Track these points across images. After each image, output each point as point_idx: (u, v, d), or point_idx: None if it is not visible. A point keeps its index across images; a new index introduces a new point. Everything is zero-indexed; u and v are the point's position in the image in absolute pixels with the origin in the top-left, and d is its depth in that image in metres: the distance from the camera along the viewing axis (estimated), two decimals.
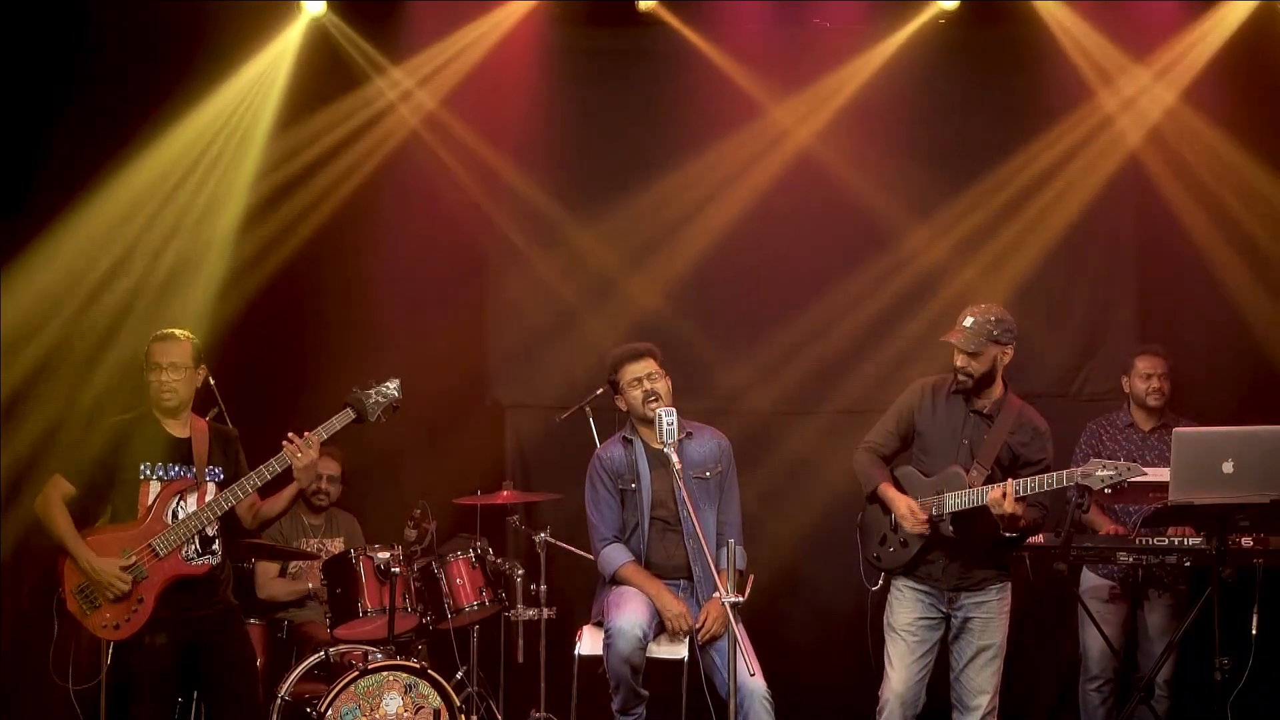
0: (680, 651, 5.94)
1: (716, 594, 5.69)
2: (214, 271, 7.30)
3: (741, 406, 7.58)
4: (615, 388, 6.13)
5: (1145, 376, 6.80)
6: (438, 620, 6.65)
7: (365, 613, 6.48)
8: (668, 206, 7.62)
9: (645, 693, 5.88)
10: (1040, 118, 7.49)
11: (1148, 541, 6.34)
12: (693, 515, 5.50)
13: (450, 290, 7.65)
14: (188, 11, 7.09)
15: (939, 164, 7.59)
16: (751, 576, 6.11)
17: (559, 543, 6.99)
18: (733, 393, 7.61)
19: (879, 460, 5.90)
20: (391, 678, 6.13)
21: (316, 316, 7.67)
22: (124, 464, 5.62)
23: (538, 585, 6.89)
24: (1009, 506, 5.49)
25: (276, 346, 7.56)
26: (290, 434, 5.58)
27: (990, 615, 5.77)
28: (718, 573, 5.31)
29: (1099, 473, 5.44)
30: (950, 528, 5.68)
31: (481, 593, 6.76)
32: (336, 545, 7.10)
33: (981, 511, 5.59)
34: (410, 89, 7.54)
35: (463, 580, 6.74)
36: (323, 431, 5.62)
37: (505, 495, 7.02)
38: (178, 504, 5.63)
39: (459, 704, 6.27)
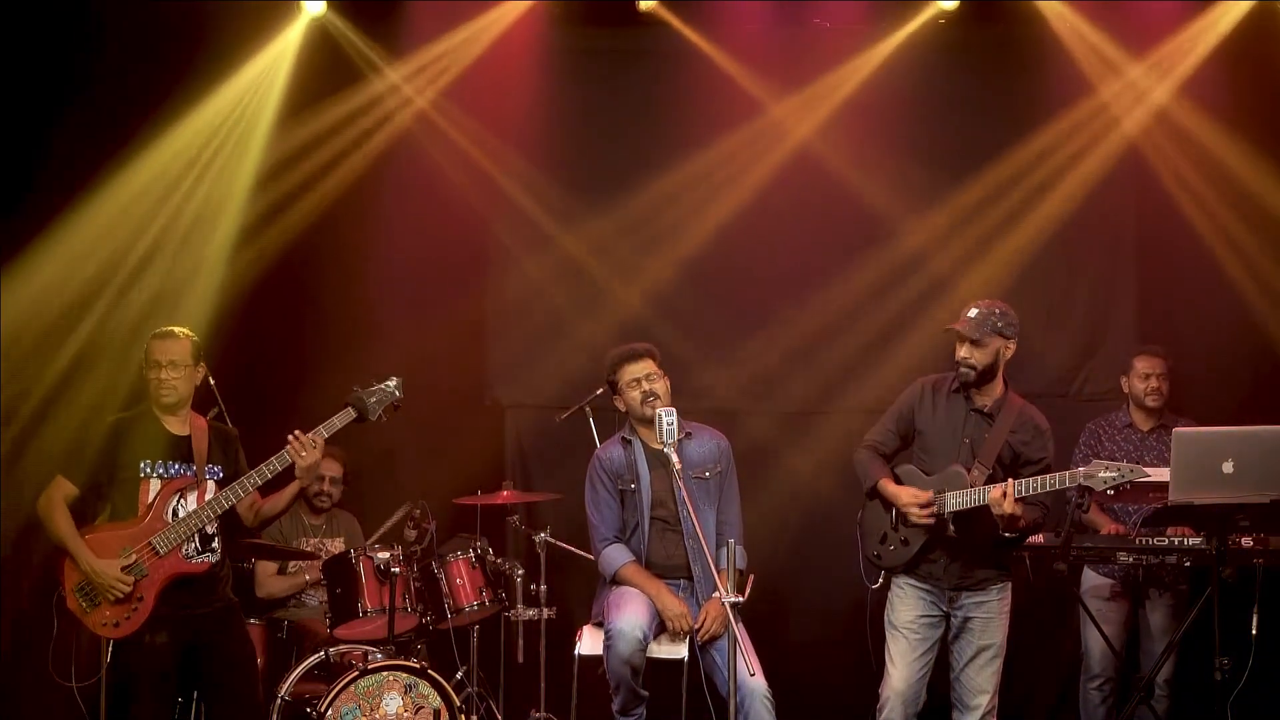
0: (680, 651, 5.94)
1: (716, 594, 5.69)
2: (214, 271, 7.30)
3: (740, 405, 7.58)
4: (614, 388, 6.14)
5: (1144, 377, 6.80)
6: (438, 620, 6.65)
7: (365, 613, 6.47)
8: (668, 206, 7.63)
9: (645, 693, 5.88)
10: (1039, 116, 7.48)
11: (1148, 541, 6.34)
12: (692, 515, 5.51)
13: (450, 290, 7.65)
14: (188, 11, 7.08)
15: (938, 162, 7.59)
16: (751, 576, 6.13)
17: (559, 543, 6.99)
18: (733, 391, 7.61)
19: (879, 458, 5.90)
20: (391, 678, 6.13)
21: (316, 316, 7.67)
22: (124, 462, 5.62)
23: (538, 585, 6.89)
24: (1009, 507, 5.49)
25: (276, 346, 7.56)
26: (295, 432, 5.58)
27: (991, 615, 5.77)
28: (718, 572, 5.31)
29: (1102, 474, 5.43)
30: (952, 527, 5.68)
31: (481, 593, 6.76)
32: (337, 545, 7.10)
33: (983, 511, 5.59)
34: (410, 88, 7.54)
35: (463, 580, 6.73)
36: (324, 430, 5.62)
37: (505, 495, 7.02)
38: (178, 502, 5.63)
39: (459, 704, 6.27)
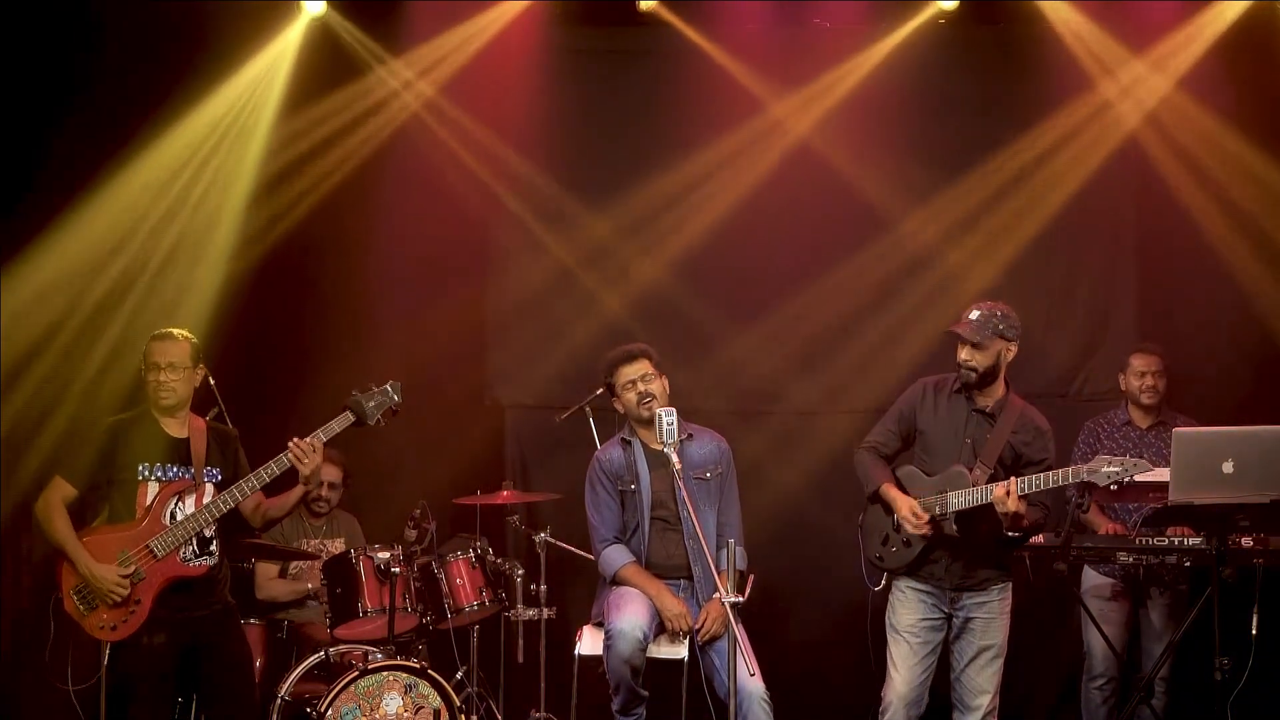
0: (680, 652, 5.93)
1: (716, 594, 5.69)
2: (214, 270, 7.30)
3: (741, 404, 7.58)
4: (611, 390, 6.15)
5: (1139, 374, 6.81)
6: (438, 620, 6.65)
7: (365, 613, 6.48)
8: (668, 205, 7.62)
9: (645, 693, 5.88)
10: (1039, 114, 7.48)
11: (1148, 541, 6.34)
12: (693, 515, 5.50)
13: (450, 291, 7.65)
14: (188, 11, 7.09)
15: (938, 161, 7.58)
16: (751, 577, 6.13)
17: (559, 543, 6.99)
18: (733, 389, 7.61)
19: (880, 460, 5.90)
20: (391, 678, 6.13)
21: (316, 317, 7.66)
22: (122, 464, 5.62)
23: (538, 585, 6.89)
24: (1012, 505, 5.49)
25: (276, 346, 7.57)
26: (294, 439, 5.56)
27: (992, 615, 5.77)
28: (718, 573, 5.30)
29: (1105, 469, 5.44)
30: (954, 526, 5.68)
31: (481, 593, 6.76)
32: (337, 545, 7.09)
33: (985, 510, 5.59)
34: (409, 92, 7.54)
35: (463, 580, 6.73)
36: (322, 434, 5.61)
37: (505, 495, 7.02)
38: (176, 505, 5.62)
39: (459, 704, 6.27)
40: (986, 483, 5.61)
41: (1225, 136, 7.31)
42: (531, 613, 6.87)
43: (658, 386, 6.05)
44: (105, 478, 5.64)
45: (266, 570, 6.99)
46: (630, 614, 5.83)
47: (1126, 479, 5.43)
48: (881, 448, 5.92)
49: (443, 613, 6.64)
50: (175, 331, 5.76)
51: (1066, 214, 7.51)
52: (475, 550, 6.80)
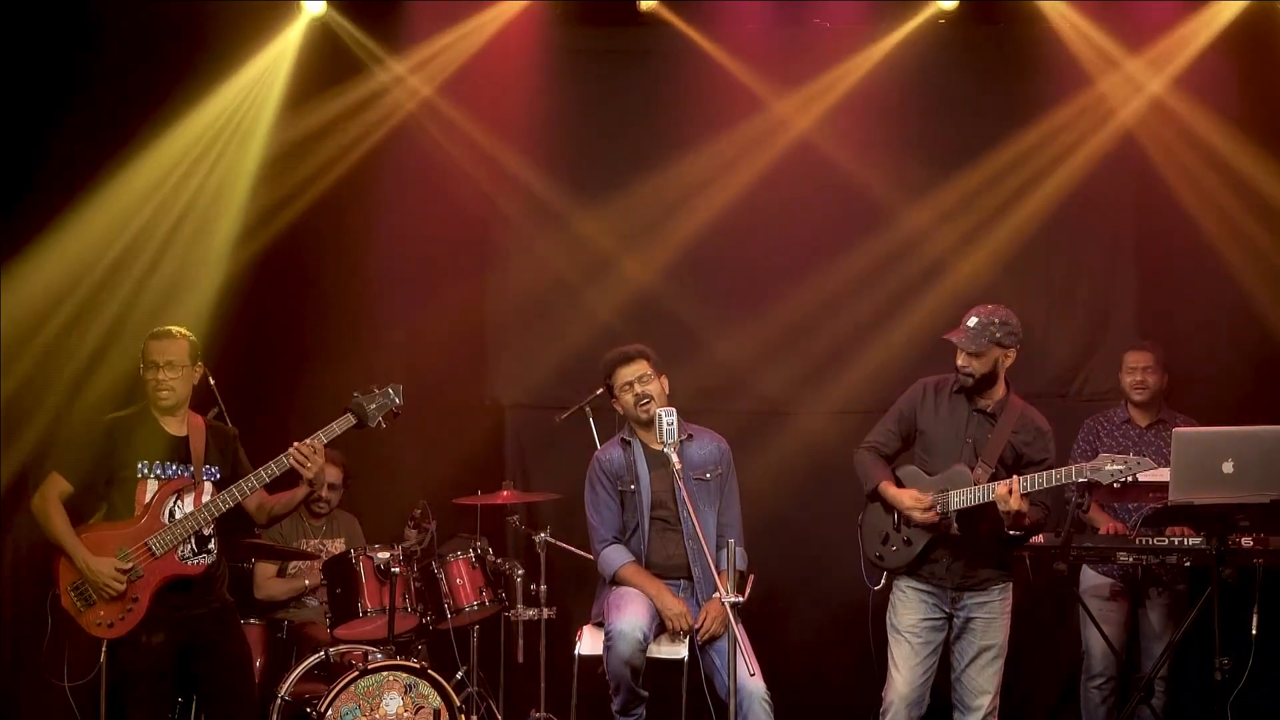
0: (680, 652, 5.94)
1: (716, 594, 5.69)
2: (214, 269, 7.30)
3: (741, 404, 7.58)
4: (610, 391, 6.15)
5: (1130, 370, 6.83)
6: (438, 620, 6.66)
7: (365, 613, 6.48)
8: (669, 205, 7.61)
9: (645, 693, 5.88)
10: (1038, 113, 7.47)
11: (1148, 541, 6.34)
12: (693, 515, 5.50)
13: (450, 291, 7.64)
14: (188, 11, 7.08)
15: (937, 160, 7.57)
16: (751, 577, 6.13)
17: (559, 543, 6.99)
18: (733, 389, 7.61)
19: (880, 459, 5.90)
20: (391, 678, 6.13)
21: (316, 316, 7.66)
22: (121, 461, 5.61)
23: (538, 585, 6.89)
24: (1015, 503, 5.49)
25: (277, 345, 7.56)
26: (295, 444, 5.55)
27: (993, 615, 5.77)
28: (718, 573, 5.30)
29: (1108, 467, 5.44)
30: (955, 526, 5.68)
31: (481, 593, 6.76)
32: (337, 545, 7.09)
33: (987, 509, 5.59)
34: (409, 88, 7.54)
35: (463, 580, 6.74)
36: (323, 436, 5.60)
37: (505, 495, 7.02)
38: (175, 503, 5.62)
39: (459, 704, 6.27)
40: (988, 482, 5.61)
41: (1225, 135, 7.31)
42: (531, 613, 6.87)
43: (656, 387, 6.05)
44: (104, 475, 5.63)
45: (265, 570, 6.98)
46: (630, 614, 5.83)
47: (1130, 478, 5.43)
48: (881, 447, 5.92)
49: (443, 613, 6.64)
50: (174, 330, 5.75)
51: (1066, 214, 7.51)
52: (475, 550, 6.80)
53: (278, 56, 7.40)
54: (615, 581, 6.00)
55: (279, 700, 6.28)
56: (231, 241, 7.35)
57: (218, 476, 5.70)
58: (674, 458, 5.34)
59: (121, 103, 7.11)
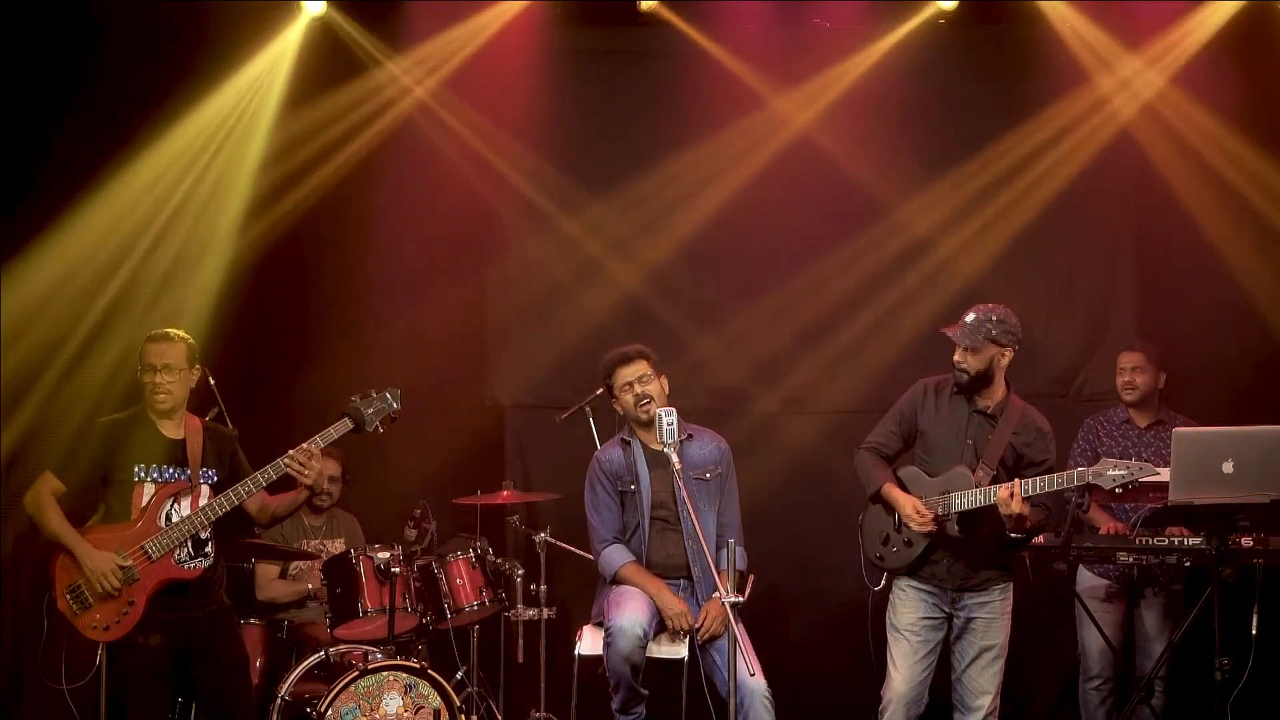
0: (680, 651, 5.94)
1: (717, 594, 5.69)
2: (213, 270, 7.30)
3: (741, 404, 7.58)
4: (610, 392, 6.16)
5: (1120, 370, 6.83)
6: (438, 620, 6.65)
7: (365, 613, 6.48)
8: (669, 205, 7.62)
9: (645, 692, 5.88)
10: (1038, 112, 7.47)
11: (1147, 541, 6.34)
12: (693, 515, 5.50)
13: (450, 290, 7.64)
14: (188, 11, 7.08)
15: (937, 158, 7.57)
16: (751, 577, 6.13)
17: (559, 543, 6.99)
18: (732, 389, 7.61)
19: (881, 460, 5.90)
20: (391, 678, 6.13)
21: (316, 316, 7.67)
22: (118, 464, 5.59)
23: (538, 585, 6.89)
24: (1016, 506, 5.49)
25: (276, 346, 7.56)
26: (290, 452, 5.53)
27: (993, 616, 5.77)
28: (718, 573, 5.31)
29: (1110, 472, 5.44)
30: (956, 527, 5.68)
31: (481, 593, 6.76)
32: (337, 546, 7.09)
33: (987, 511, 5.59)
34: (409, 88, 7.53)
35: (463, 580, 6.74)
36: (320, 440, 5.58)
37: (505, 495, 7.02)
38: (172, 507, 5.60)
39: (459, 704, 6.27)
40: (989, 484, 5.61)
41: (1224, 134, 7.31)
42: (531, 613, 6.87)
43: (655, 388, 6.05)
44: (100, 478, 5.62)
45: (267, 571, 6.98)
46: (630, 611, 5.83)
47: (1131, 483, 5.43)
48: (882, 448, 5.92)
49: (443, 613, 6.65)
50: (171, 332, 5.71)
51: (1066, 214, 7.51)
52: (475, 550, 6.80)
53: (278, 56, 7.40)
54: (616, 581, 6.00)
55: (279, 700, 6.28)
56: (232, 241, 7.35)
57: (215, 480, 5.68)
58: (674, 458, 5.35)
59: (121, 103, 7.11)
